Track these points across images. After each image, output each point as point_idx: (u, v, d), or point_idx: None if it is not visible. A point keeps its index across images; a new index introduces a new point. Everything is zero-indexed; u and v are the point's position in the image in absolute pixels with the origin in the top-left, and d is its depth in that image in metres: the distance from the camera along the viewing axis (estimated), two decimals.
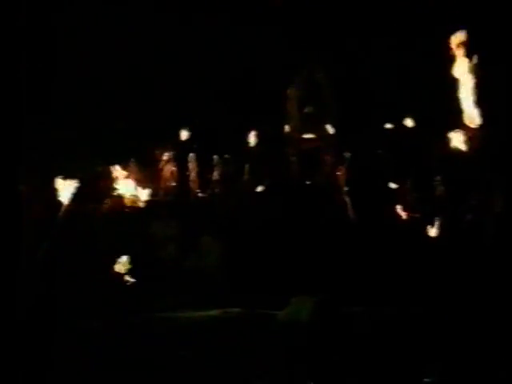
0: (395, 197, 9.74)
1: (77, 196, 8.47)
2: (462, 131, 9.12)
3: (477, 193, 9.03)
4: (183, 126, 10.87)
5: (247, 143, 10.80)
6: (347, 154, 10.21)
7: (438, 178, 9.63)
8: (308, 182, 10.48)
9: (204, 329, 7.45)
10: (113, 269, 8.93)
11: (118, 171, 9.93)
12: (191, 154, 10.63)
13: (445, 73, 9.35)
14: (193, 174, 10.56)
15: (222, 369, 5.81)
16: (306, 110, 10.92)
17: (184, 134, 10.91)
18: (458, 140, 9.28)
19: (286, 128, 10.96)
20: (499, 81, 9.04)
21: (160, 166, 10.62)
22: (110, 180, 9.90)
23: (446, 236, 8.94)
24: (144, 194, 10.11)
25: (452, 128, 9.24)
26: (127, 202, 9.94)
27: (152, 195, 10.19)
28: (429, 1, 10.50)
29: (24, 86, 9.63)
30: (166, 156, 10.65)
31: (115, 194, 9.84)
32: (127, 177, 10.00)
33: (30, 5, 9.97)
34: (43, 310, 7.43)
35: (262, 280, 8.75)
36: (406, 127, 10.41)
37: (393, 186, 9.91)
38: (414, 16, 10.65)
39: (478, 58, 8.20)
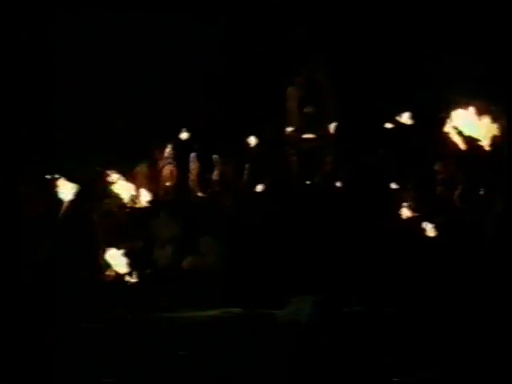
0: (395, 197, 9.74)
1: (77, 196, 8.47)
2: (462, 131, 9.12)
3: (477, 193, 9.03)
4: (183, 126, 10.85)
5: (247, 143, 10.79)
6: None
7: (438, 177, 9.64)
8: (308, 182, 10.47)
9: (204, 329, 7.45)
10: (112, 269, 8.94)
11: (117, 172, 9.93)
12: (191, 154, 10.62)
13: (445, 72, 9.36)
14: (193, 174, 10.55)
15: (221, 369, 5.81)
16: (306, 110, 10.91)
17: (184, 134, 10.89)
18: (458, 140, 9.28)
19: (286, 128, 10.95)
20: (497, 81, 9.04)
21: (160, 165, 10.61)
22: (111, 180, 9.90)
23: (445, 236, 8.94)
24: (144, 194, 10.10)
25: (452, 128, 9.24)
26: (127, 202, 9.94)
27: (152, 195, 10.18)
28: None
29: (24, 86, 9.64)
30: (165, 156, 10.63)
31: (115, 194, 9.84)
32: (127, 177, 9.99)
33: (30, 6, 9.99)
34: (43, 309, 7.43)
35: (261, 280, 8.75)
36: (406, 127, 10.40)
37: (393, 185, 9.90)
38: (414, 16, 10.64)
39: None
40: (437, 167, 9.64)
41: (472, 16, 10.04)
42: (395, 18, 10.74)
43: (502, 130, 8.67)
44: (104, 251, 9.13)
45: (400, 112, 10.37)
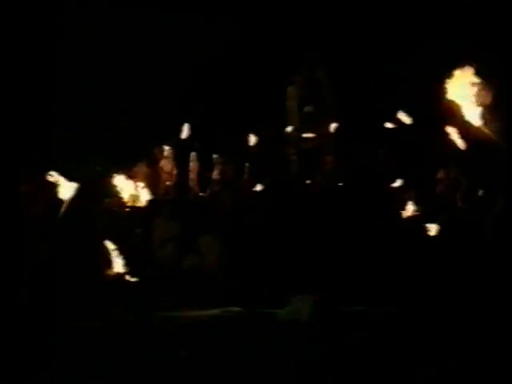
0: (396, 196, 9.74)
1: (77, 196, 8.47)
2: (462, 130, 9.11)
3: (477, 192, 9.03)
4: (183, 125, 10.85)
5: (247, 143, 10.80)
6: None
7: (439, 172, 9.64)
8: (308, 182, 10.48)
9: (204, 329, 7.46)
10: (112, 268, 8.94)
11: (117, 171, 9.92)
12: (192, 153, 10.62)
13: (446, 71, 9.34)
14: (193, 173, 10.56)
15: (221, 368, 5.81)
16: (306, 110, 10.91)
17: (184, 133, 10.90)
18: (458, 139, 9.27)
19: (286, 127, 10.96)
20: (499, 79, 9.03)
21: (160, 165, 10.61)
22: (111, 180, 9.90)
23: (446, 235, 8.94)
24: (144, 194, 10.10)
25: (452, 127, 9.24)
26: (127, 202, 9.94)
27: (152, 194, 10.18)
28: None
29: (24, 86, 9.64)
30: (165, 155, 10.64)
31: (115, 193, 9.83)
32: (127, 176, 9.99)
33: (30, 6, 9.99)
34: (43, 309, 7.43)
35: (261, 279, 8.76)
36: (406, 126, 10.40)
37: (393, 185, 9.91)
38: (415, 16, 10.65)
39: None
40: (440, 175, 9.63)
41: (471, 12, 10.05)
42: (394, 17, 10.75)
43: (502, 129, 8.68)
44: (104, 251, 9.14)
45: (400, 111, 10.38)
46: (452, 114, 8.62)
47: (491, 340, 6.30)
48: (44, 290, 7.78)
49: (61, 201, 8.38)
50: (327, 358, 6.08)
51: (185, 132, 10.82)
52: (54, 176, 8.37)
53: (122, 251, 9.10)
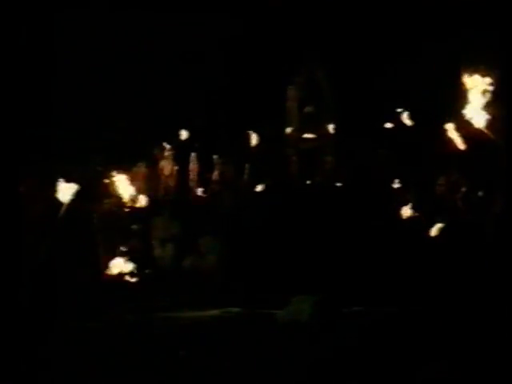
0: (395, 196, 9.74)
1: (77, 196, 8.47)
2: (462, 130, 9.11)
3: (477, 193, 9.03)
4: (183, 126, 10.86)
5: (247, 143, 10.80)
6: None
7: (439, 177, 9.64)
8: (308, 182, 10.49)
9: (204, 329, 7.46)
10: (112, 269, 8.94)
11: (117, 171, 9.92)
12: (192, 154, 10.62)
13: (446, 70, 9.35)
14: (193, 174, 10.56)
15: (221, 369, 5.81)
16: (306, 110, 10.91)
17: (184, 134, 10.90)
18: (458, 139, 9.27)
19: (286, 128, 10.96)
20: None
21: (160, 165, 10.62)
22: (110, 180, 9.90)
23: (446, 236, 8.94)
24: (144, 194, 10.10)
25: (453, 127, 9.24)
26: (127, 202, 9.93)
27: (152, 195, 10.18)
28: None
29: (24, 86, 9.64)
30: (165, 156, 10.64)
31: (115, 193, 9.83)
32: (127, 177, 9.99)
33: (30, 6, 9.99)
34: (43, 309, 7.44)
35: (261, 280, 8.76)
36: (406, 126, 10.41)
37: (393, 185, 9.91)
38: (416, 16, 10.65)
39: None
40: (440, 181, 9.61)
41: (471, 12, 10.05)
42: (394, 17, 10.75)
43: (502, 129, 8.68)
44: (104, 251, 9.14)
45: (400, 112, 10.38)
46: (452, 115, 8.64)
47: (491, 340, 6.30)
48: (44, 289, 7.78)
49: (61, 201, 8.39)
50: (327, 358, 6.08)
51: (184, 133, 10.83)
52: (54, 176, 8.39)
53: (122, 251, 9.12)
